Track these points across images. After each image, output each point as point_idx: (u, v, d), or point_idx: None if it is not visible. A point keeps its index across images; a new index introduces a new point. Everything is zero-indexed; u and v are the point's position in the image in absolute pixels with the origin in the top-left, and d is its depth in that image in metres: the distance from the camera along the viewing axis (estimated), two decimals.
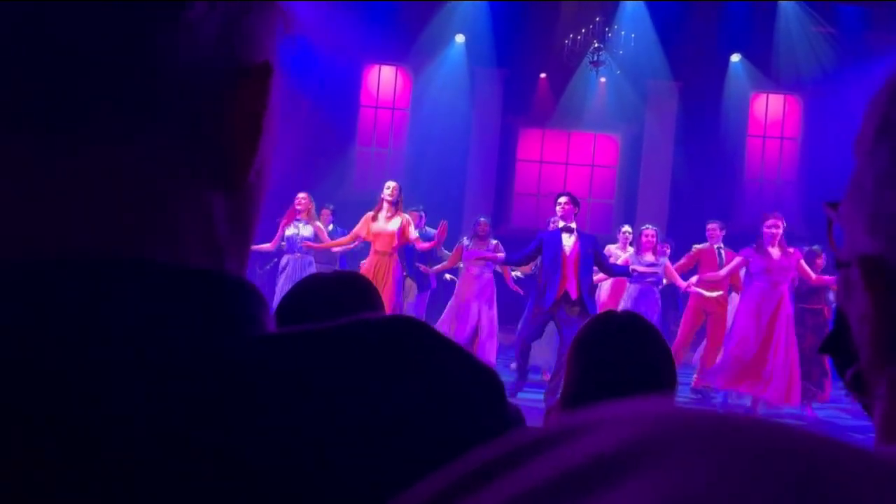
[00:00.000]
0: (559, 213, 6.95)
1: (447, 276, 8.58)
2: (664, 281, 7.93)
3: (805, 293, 7.46)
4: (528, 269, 8.03)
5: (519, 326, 8.02)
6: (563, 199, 6.94)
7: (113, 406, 0.34)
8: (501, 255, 7.38)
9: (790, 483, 0.21)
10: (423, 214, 8.70)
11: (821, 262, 7.51)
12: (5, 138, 0.37)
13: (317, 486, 0.34)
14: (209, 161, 0.41)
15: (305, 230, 8.02)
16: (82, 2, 0.37)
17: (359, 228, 7.45)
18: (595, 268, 7.00)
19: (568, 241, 6.84)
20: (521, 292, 8.09)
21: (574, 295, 6.73)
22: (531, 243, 6.98)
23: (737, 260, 7.25)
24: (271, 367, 0.37)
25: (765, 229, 6.97)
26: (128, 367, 0.34)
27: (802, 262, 7.08)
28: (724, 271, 7.41)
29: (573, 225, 6.91)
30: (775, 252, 6.92)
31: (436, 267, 8.27)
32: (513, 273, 8.30)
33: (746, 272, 7.13)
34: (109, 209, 0.38)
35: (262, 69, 0.43)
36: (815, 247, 7.50)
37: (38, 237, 0.37)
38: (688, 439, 0.22)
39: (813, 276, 7.17)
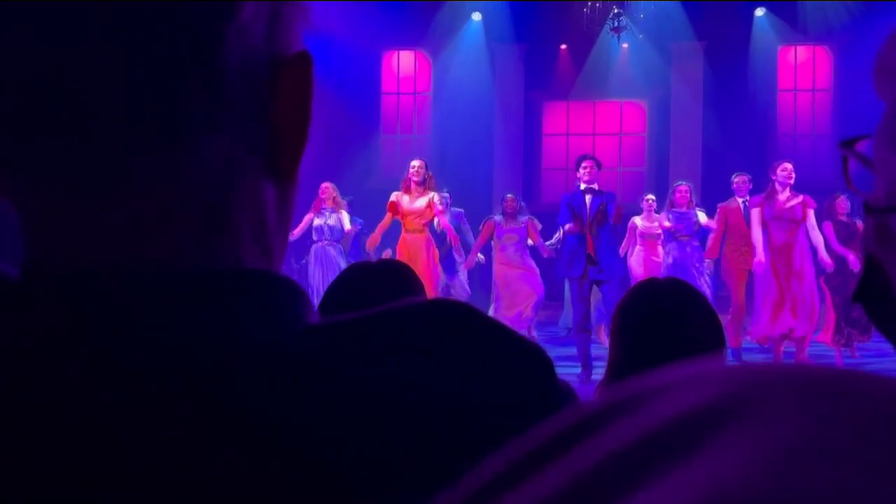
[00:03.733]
0: (585, 178, 6.82)
1: (479, 255, 8.58)
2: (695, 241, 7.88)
3: (845, 237, 7.30)
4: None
5: (565, 312, 7.98)
6: (586, 163, 6.84)
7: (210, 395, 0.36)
8: (544, 247, 7.51)
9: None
10: (448, 195, 8.67)
11: (843, 205, 7.34)
12: (84, 150, 0.39)
13: (366, 473, 0.34)
14: (264, 153, 0.43)
15: (332, 219, 8.09)
16: (144, 11, 0.38)
17: (391, 205, 7.43)
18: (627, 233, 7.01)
19: (589, 199, 6.77)
20: (555, 255, 8.04)
21: (593, 254, 6.69)
22: (562, 211, 6.91)
23: (754, 214, 7.16)
24: (317, 357, 0.37)
25: (779, 173, 6.96)
26: (204, 364, 0.36)
27: (811, 213, 6.96)
28: (755, 233, 7.25)
29: (595, 186, 6.81)
30: (784, 197, 6.85)
31: (468, 258, 8.29)
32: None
33: (763, 221, 7.07)
34: (178, 216, 0.40)
35: (302, 58, 0.44)
36: (837, 192, 7.38)
37: (116, 247, 0.39)
38: (780, 393, 0.21)
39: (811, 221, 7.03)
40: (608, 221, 6.74)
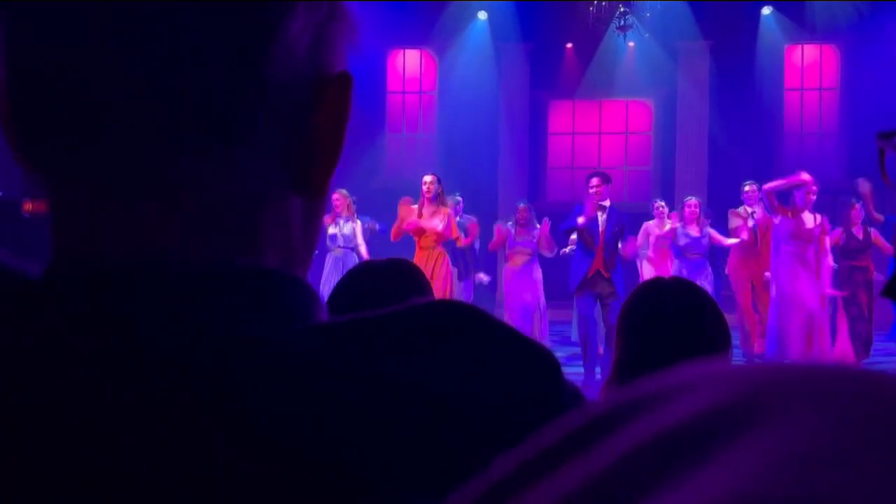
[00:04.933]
0: (596, 198, 6.77)
1: (483, 277, 8.61)
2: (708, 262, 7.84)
3: (852, 250, 7.26)
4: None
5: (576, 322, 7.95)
6: (594, 181, 6.79)
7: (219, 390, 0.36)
8: (549, 251, 7.50)
9: None
10: (461, 200, 8.65)
11: (858, 214, 7.29)
12: (118, 154, 0.39)
13: (370, 473, 0.34)
14: (294, 169, 0.43)
15: (346, 228, 8.05)
16: (190, 21, 0.39)
17: (402, 219, 7.31)
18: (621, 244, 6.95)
19: (602, 218, 6.76)
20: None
21: (605, 273, 6.70)
22: (569, 221, 6.88)
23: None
24: (322, 356, 0.37)
25: (803, 195, 6.79)
26: (209, 359, 0.36)
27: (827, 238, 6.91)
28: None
29: (606, 203, 6.80)
30: (808, 218, 6.73)
31: (481, 275, 8.23)
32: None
33: (775, 236, 6.94)
34: (204, 223, 0.40)
35: (343, 78, 0.44)
36: (853, 200, 7.30)
37: (136, 250, 0.39)
38: (795, 394, 0.21)
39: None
40: (618, 243, 6.77)
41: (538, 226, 7.75)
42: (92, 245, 0.40)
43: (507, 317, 7.77)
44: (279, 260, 0.43)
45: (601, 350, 6.93)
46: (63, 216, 0.41)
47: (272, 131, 0.42)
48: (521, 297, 7.74)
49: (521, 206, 7.94)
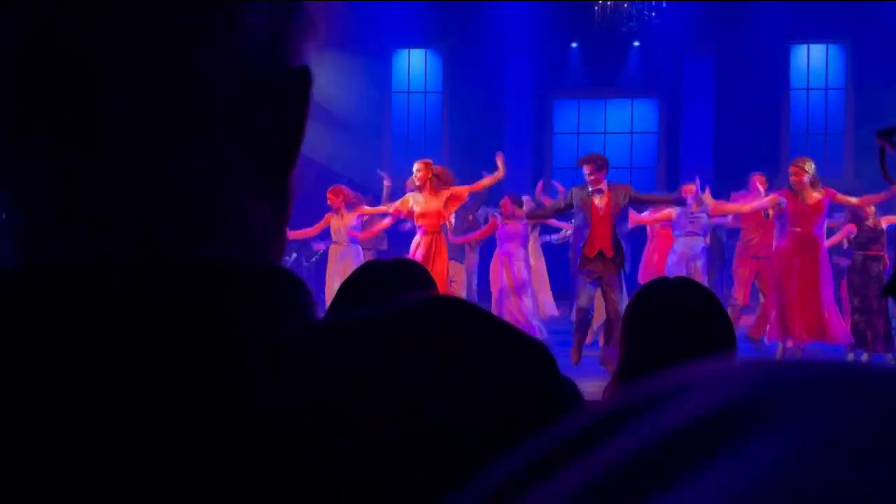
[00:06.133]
0: (593, 185, 6.75)
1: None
2: (707, 238, 7.88)
3: (865, 241, 7.20)
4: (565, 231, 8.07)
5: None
6: (586, 170, 6.72)
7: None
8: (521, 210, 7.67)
9: None
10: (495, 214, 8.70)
11: (870, 207, 7.24)
12: (73, 149, 0.39)
13: (368, 471, 0.34)
14: (252, 164, 0.43)
15: (349, 219, 8.09)
16: (133, 11, 0.38)
17: (399, 204, 7.38)
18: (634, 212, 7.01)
19: (600, 201, 6.69)
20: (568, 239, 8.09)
21: (609, 252, 6.65)
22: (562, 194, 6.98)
23: (770, 197, 6.96)
24: (317, 354, 0.37)
25: (791, 178, 6.72)
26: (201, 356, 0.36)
27: (837, 195, 6.80)
28: (755, 203, 7.12)
29: (602, 187, 6.72)
30: (809, 195, 6.66)
31: (472, 236, 8.35)
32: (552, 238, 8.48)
33: (780, 218, 6.89)
34: (161, 216, 0.40)
35: (302, 73, 0.44)
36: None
37: (99, 245, 0.39)
38: (807, 392, 0.21)
39: (853, 199, 6.92)
40: (623, 220, 6.78)
41: (523, 209, 7.87)
42: (54, 244, 0.40)
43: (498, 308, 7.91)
44: (242, 253, 0.43)
45: (590, 339, 6.99)
46: (27, 216, 0.41)
47: (227, 121, 0.41)
48: (504, 286, 7.91)
49: (503, 202, 8.04)
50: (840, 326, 6.78)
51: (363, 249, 8.25)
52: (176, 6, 0.39)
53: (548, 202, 8.10)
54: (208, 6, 0.40)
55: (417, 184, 7.15)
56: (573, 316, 7.12)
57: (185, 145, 0.40)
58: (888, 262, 7.18)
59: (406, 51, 14.25)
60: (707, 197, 7.49)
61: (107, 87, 0.39)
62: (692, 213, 7.81)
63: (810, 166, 6.71)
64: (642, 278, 8.02)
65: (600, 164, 6.76)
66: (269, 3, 0.43)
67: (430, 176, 7.14)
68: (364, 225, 8.28)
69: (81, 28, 0.38)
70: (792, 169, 6.77)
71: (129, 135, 0.39)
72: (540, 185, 8.82)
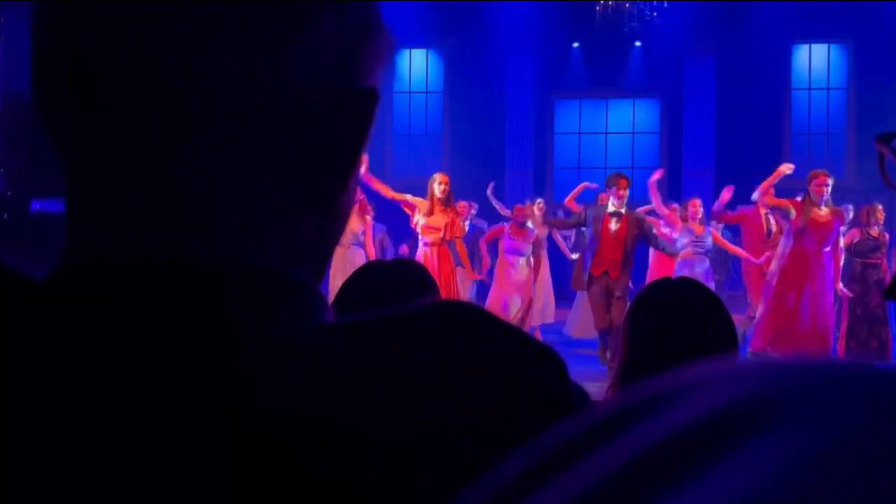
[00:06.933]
0: (616, 202, 6.76)
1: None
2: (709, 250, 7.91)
3: (865, 249, 7.21)
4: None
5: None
6: (622, 184, 6.71)
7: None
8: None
9: None
10: (475, 203, 8.70)
11: (881, 214, 7.24)
12: (130, 149, 0.39)
13: (375, 473, 0.34)
14: (306, 181, 0.42)
15: (353, 223, 8.14)
16: (209, 19, 0.39)
17: (410, 199, 7.30)
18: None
19: (615, 224, 6.73)
20: (575, 258, 8.08)
21: (614, 274, 6.72)
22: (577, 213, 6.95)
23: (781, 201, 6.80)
24: (323, 356, 0.37)
25: (814, 188, 6.50)
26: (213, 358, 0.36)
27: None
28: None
29: (623, 210, 6.75)
30: (822, 212, 6.58)
31: (479, 272, 8.31)
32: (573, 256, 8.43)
33: (786, 230, 6.82)
34: (208, 220, 0.40)
35: (368, 94, 0.44)
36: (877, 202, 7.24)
37: (135, 243, 0.40)
38: (812, 392, 0.20)
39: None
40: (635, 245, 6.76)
41: (531, 226, 7.82)
42: (103, 241, 0.41)
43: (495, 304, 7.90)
44: (277, 262, 0.42)
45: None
46: (77, 215, 0.42)
47: (285, 136, 0.41)
48: (510, 295, 7.88)
49: (518, 205, 7.99)
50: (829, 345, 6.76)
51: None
52: (241, 16, 0.39)
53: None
54: (274, 17, 0.40)
55: (439, 196, 7.06)
56: (567, 329, 7.16)
57: (238, 156, 0.40)
58: (886, 268, 7.19)
59: (407, 51, 14.27)
60: (716, 236, 7.55)
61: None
62: (697, 236, 7.80)
63: (832, 181, 6.56)
64: None
65: (629, 183, 6.83)
66: (342, 19, 0.42)
67: (450, 192, 7.14)
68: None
69: (143, 30, 0.38)
70: (820, 179, 6.45)
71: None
72: (491, 186, 8.82)
